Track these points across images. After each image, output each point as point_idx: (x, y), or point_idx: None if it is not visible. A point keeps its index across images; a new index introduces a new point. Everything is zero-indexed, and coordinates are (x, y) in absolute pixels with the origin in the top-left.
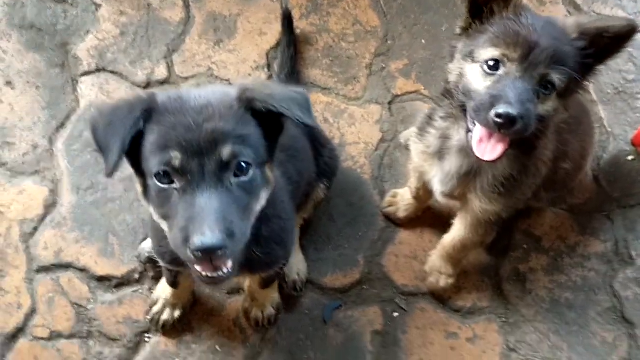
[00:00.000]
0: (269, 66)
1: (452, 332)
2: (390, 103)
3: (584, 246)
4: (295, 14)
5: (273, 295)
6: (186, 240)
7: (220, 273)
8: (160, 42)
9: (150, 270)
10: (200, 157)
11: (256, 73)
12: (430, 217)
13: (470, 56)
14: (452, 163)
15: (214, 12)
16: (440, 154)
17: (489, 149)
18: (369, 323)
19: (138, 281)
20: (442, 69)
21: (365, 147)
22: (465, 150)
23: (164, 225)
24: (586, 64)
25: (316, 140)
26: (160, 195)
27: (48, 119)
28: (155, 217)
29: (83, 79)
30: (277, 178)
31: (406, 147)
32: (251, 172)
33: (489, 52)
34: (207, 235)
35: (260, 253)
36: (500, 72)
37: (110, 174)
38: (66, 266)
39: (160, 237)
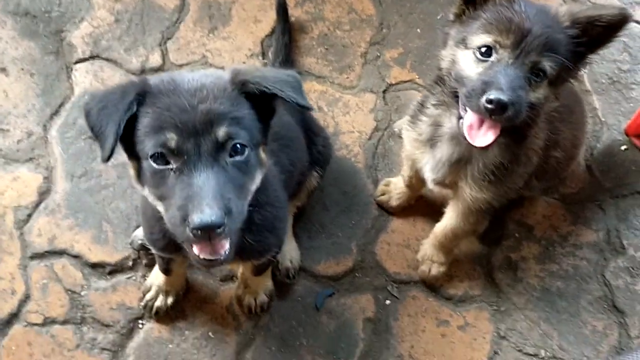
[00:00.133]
0: (263, 54)
1: (444, 319)
2: (384, 92)
3: (575, 235)
4: (290, 2)
5: (266, 283)
6: (184, 219)
7: (217, 256)
8: (154, 30)
9: (144, 257)
10: (195, 138)
11: (251, 61)
12: (423, 206)
13: (462, 42)
14: (444, 150)
15: (209, 0)
16: (432, 142)
17: (480, 135)
18: (361, 310)
19: (131, 268)
20: (436, 58)
21: (359, 135)
22: (457, 138)
23: (160, 207)
24: (578, 52)
25: (309, 128)
26: (155, 176)
27: (42, 106)
28: (151, 198)
29: (77, 66)
30: (270, 167)
31: (400, 136)
32: (246, 152)
33: (481, 39)
34: (206, 212)
35: (252, 240)
36: (492, 58)
37: (106, 158)
38: (60, 253)
39: (151, 224)
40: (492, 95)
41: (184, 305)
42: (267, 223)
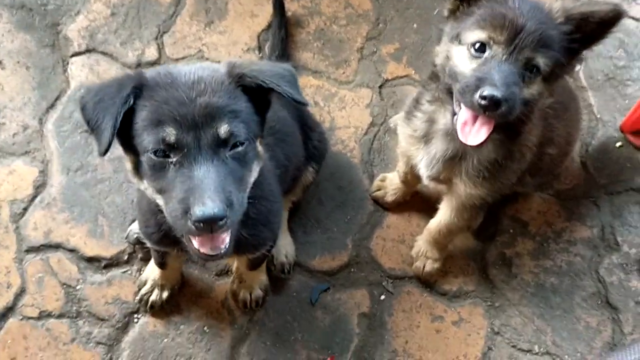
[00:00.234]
0: (259, 48)
1: (438, 315)
2: (380, 87)
3: (570, 231)
4: None
5: (261, 278)
6: (186, 211)
7: (217, 250)
8: (151, 23)
9: (139, 251)
10: (195, 131)
11: (247, 55)
12: (418, 202)
13: (457, 38)
14: (438, 147)
15: None
16: (426, 138)
17: (474, 133)
18: (356, 305)
19: (127, 262)
20: (432, 53)
21: (355, 131)
22: (451, 134)
23: (159, 200)
24: (572, 49)
25: (305, 123)
26: (155, 169)
27: (38, 100)
28: (150, 192)
29: (73, 59)
30: (265, 161)
31: (395, 132)
32: (245, 145)
33: (475, 35)
34: (208, 205)
35: (247, 234)
36: (486, 54)
37: (104, 152)
38: (56, 246)
39: (147, 218)
40: (486, 91)
41: (179, 300)
42: (261, 217)
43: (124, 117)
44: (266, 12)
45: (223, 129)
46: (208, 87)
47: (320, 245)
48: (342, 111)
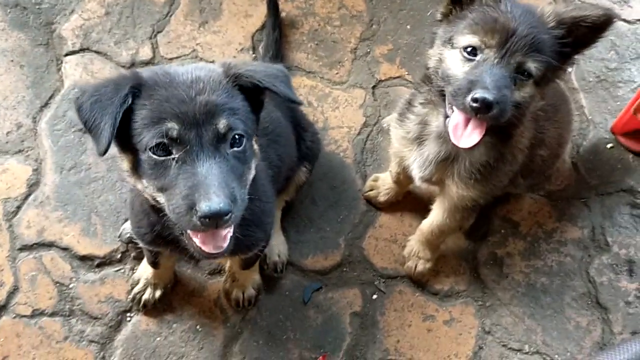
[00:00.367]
0: (254, 48)
1: (430, 314)
2: (374, 88)
3: (560, 232)
4: None
5: (254, 277)
6: (191, 207)
7: (219, 249)
8: (145, 23)
9: (132, 250)
10: (197, 128)
11: (241, 55)
12: (410, 202)
13: (449, 42)
14: (430, 149)
15: None
16: (419, 140)
17: (466, 135)
18: (348, 305)
19: (120, 261)
20: (425, 55)
21: (348, 131)
22: (444, 137)
23: (160, 198)
24: (564, 53)
25: (298, 124)
26: (156, 167)
27: (32, 98)
28: (150, 190)
29: (67, 58)
30: (258, 162)
31: (388, 132)
32: (244, 142)
33: (467, 39)
34: (214, 200)
35: (239, 234)
36: (478, 58)
37: (103, 152)
38: (49, 245)
39: (139, 218)
40: (478, 94)
41: (172, 299)
42: (254, 217)
43: (121, 117)
44: (260, 12)
45: (222, 124)
46: (207, 86)
47: (312, 245)
48: (335, 111)
